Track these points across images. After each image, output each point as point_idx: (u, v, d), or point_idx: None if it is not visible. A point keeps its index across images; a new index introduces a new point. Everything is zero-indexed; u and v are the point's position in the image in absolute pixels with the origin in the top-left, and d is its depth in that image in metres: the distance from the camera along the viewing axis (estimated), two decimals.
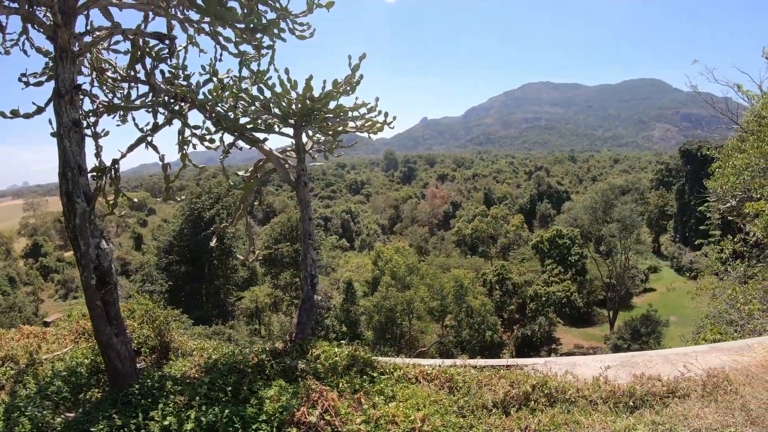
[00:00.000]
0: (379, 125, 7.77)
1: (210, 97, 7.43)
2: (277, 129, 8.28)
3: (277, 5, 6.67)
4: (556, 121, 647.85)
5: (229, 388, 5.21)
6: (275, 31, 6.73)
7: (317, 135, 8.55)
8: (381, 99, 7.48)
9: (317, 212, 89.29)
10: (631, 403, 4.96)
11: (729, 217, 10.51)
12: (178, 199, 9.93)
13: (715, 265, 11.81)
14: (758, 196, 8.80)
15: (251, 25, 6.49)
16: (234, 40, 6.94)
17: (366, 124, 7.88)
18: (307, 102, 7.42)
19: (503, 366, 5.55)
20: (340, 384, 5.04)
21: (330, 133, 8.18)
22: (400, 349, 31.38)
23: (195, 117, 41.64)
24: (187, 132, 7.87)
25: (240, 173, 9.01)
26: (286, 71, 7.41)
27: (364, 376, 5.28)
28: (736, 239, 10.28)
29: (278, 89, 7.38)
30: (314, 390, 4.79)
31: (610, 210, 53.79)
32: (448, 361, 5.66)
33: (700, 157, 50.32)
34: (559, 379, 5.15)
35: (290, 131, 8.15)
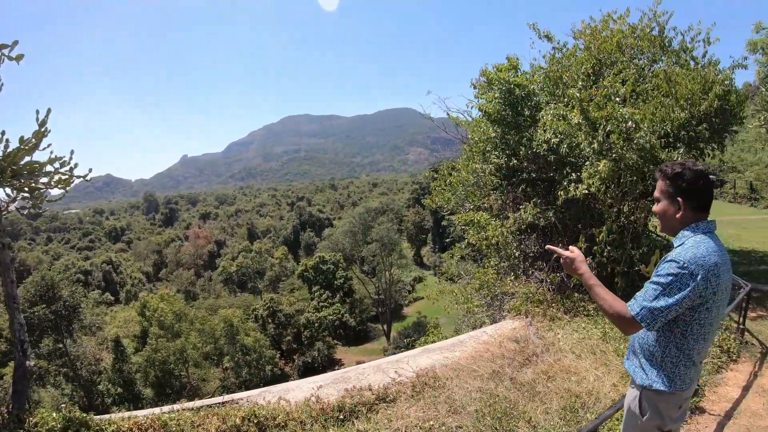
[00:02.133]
0: (68, 180, 7.37)
1: None
2: None
3: None
4: (315, 151, 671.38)
5: None
6: None
7: (18, 192, 7.84)
8: (140, 137, 6.98)
9: (75, 265, 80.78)
10: (341, 417, 5.07)
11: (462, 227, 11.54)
12: None
13: (450, 269, 12.93)
14: (470, 207, 10.09)
15: None
16: None
17: (55, 179, 7.43)
18: None
19: (219, 403, 5.51)
20: None
21: (26, 190, 7.55)
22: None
23: None
24: None
25: None
26: None
27: None
28: (464, 245, 11.37)
29: None
30: None
31: (369, 231, 57.09)
32: (166, 408, 5.50)
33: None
34: (271, 406, 5.17)
35: None
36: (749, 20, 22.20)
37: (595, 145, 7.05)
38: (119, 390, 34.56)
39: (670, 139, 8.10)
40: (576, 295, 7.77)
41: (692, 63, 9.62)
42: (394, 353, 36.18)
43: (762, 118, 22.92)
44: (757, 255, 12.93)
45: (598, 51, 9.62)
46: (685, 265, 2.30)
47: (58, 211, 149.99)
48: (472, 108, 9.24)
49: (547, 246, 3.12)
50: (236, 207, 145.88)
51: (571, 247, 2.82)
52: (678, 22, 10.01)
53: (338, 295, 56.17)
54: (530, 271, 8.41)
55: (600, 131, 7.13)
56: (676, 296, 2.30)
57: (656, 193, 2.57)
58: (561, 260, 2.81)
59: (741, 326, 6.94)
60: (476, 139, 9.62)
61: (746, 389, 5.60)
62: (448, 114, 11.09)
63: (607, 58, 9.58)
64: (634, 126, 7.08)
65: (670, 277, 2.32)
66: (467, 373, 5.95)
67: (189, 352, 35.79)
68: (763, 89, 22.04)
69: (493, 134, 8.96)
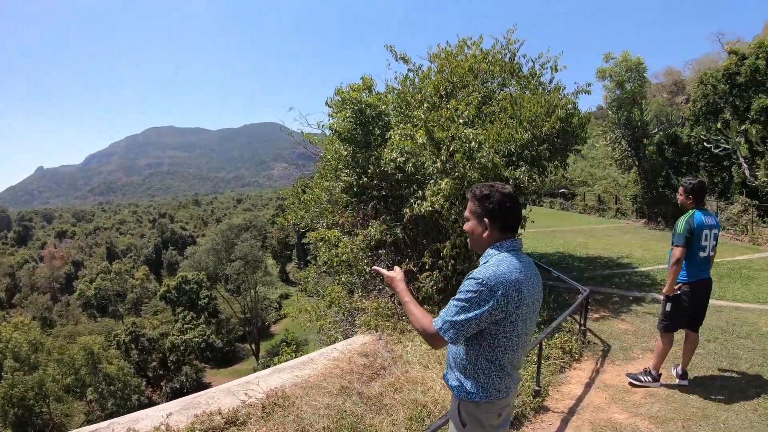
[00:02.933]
0: None
1: None
2: None
3: None
4: (179, 165, 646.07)
5: None
6: None
7: None
8: None
9: None
10: None
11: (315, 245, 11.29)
12: None
13: (307, 286, 12.70)
14: (323, 225, 9.94)
15: None
16: None
17: None
18: None
19: None
20: None
21: None
22: None
23: None
24: None
25: None
26: None
27: None
28: (320, 263, 11.20)
29: None
30: None
31: (232, 249, 55.71)
32: None
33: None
34: None
35: None
36: (602, 50, 24.61)
37: (438, 164, 7.22)
38: None
39: (514, 158, 8.54)
40: (425, 307, 7.86)
41: (540, 88, 10.22)
42: None
43: (608, 138, 25.32)
44: (602, 261, 13.98)
45: (451, 74, 9.99)
46: (485, 282, 2.35)
47: None
48: (322, 127, 9.18)
49: (373, 267, 3.24)
50: (95, 224, 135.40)
51: (396, 267, 2.90)
52: (533, 50, 10.70)
53: (203, 316, 54.27)
54: (381, 287, 8.46)
55: (444, 151, 7.31)
56: (475, 311, 2.35)
57: (466, 213, 2.65)
58: (384, 279, 2.87)
59: (583, 327, 7.42)
60: (329, 157, 9.59)
61: (588, 386, 5.93)
62: (301, 132, 11.01)
63: (460, 81, 9.96)
64: (477, 146, 7.33)
65: (470, 293, 2.37)
66: (316, 390, 5.87)
67: (48, 386, 32.65)
68: (610, 112, 24.41)
69: (345, 153, 8.97)
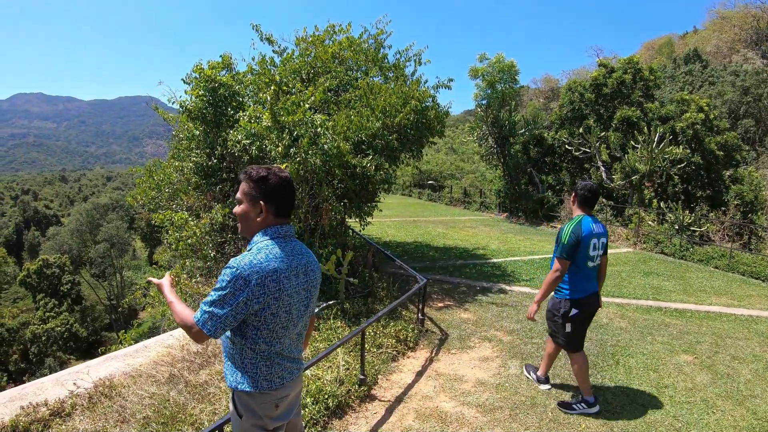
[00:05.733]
0: None
1: None
2: None
3: None
4: (46, 137, 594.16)
5: None
6: None
7: None
8: None
9: None
10: None
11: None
12: None
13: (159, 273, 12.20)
14: (177, 207, 9.53)
15: None
16: None
17: None
18: None
19: None
20: None
21: None
22: None
23: None
24: None
25: None
26: None
27: None
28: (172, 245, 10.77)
29: None
30: None
31: (98, 230, 52.48)
32: None
33: None
34: None
35: None
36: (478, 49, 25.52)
37: (280, 148, 7.15)
38: None
39: (364, 146, 8.64)
40: None
41: (402, 80, 10.44)
42: None
43: (476, 134, 26.38)
44: (458, 251, 14.49)
45: (315, 59, 9.95)
46: (239, 270, 2.31)
47: None
48: (173, 103, 8.79)
49: (147, 279, 3.20)
50: None
51: (167, 273, 2.86)
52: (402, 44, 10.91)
53: (66, 303, 50.22)
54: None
55: (286, 135, 7.26)
56: (230, 302, 2.31)
57: (239, 195, 2.57)
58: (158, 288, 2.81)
59: (420, 316, 7.61)
60: (181, 136, 9.26)
61: (420, 374, 6.01)
62: (157, 109, 10.52)
63: (323, 66, 9.95)
64: (322, 132, 7.34)
65: (225, 282, 2.32)
66: (145, 378, 5.78)
67: None
68: (479, 110, 25.41)
69: (197, 132, 8.69)
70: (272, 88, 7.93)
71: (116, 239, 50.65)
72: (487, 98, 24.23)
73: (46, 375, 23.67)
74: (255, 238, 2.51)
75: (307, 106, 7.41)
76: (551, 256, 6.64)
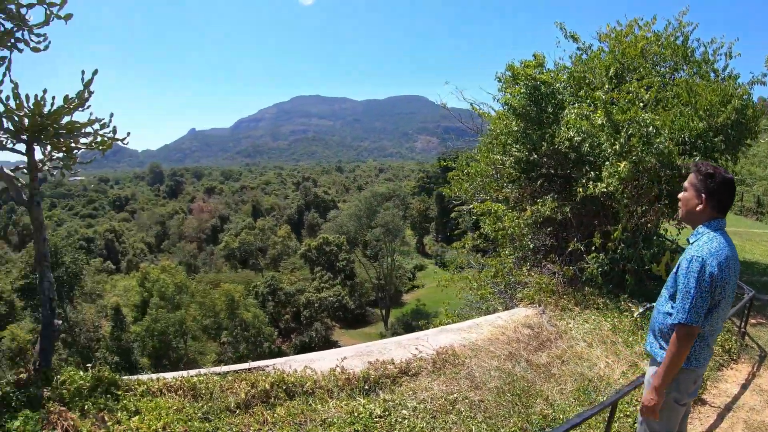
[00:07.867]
0: (108, 142, 7.57)
1: None
2: (10, 145, 7.60)
3: (13, 14, 6.16)
4: (324, 133, 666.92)
5: None
6: (11, 41, 6.18)
7: (54, 152, 8.01)
8: (147, 109, 6.97)
9: (78, 232, 79.98)
10: (366, 387, 5.21)
11: (476, 217, 11.45)
12: None
13: (459, 258, 13.04)
14: (486, 198, 10.28)
15: None
16: None
17: (97, 141, 7.61)
18: (37, 118, 6.96)
19: (245, 369, 5.58)
20: (86, 405, 4.90)
21: (63, 149, 7.75)
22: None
23: None
24: None
25: None
26: (16, 86, 6.85)
27: (109, 395, 5.15)
28: (476, 235, 11.46)
29: (12, 103, 6.81)
30: (54, 413, 4.61)
31: (374, 216, 57.39)
32: (193, 371, 5.64)
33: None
34: (298, 374, 5.25)
35: (23, 147, 7.52)
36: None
37: (617, 146, 7.29)
38: (116, 358, 34.70)
39: (687, 147, 8.34)
40: (587, 288, 7.99)
41: (713, 75, 9.77)
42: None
43: None
44: (760, 267, 13.11)
45: (622, 55, 9.82)
46: (705, 259, 2.65)
47: (64, 177, 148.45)
48: (495, 101, 9.38)
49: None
50: (241, 183, 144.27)
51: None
52: (702, 35, 10.22)
53: (340, 278, 56.54)
54: (543, 263, 8.68)
55: (622, 133, 7.38)
56: (706, 290, 2.66)
57: (686, 183, 2.92)
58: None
59: (743, 330, 7.28)
60: (497, 131, 9.82)
61: (744, 387, 5.93)
62: (471, 105, 11.23)
63: (630, 63, 9.77)
64: (654, 131, 7.33)
65: (696, 274, 2.67)
66: (485, 353, 6.18)
67: (188, 325, 36.32)
68: None
69: (515, 128, 9.17)
70: (606, 86, 8.09)
71: (391, 225, 54.76)
72: None
73: (313, 336, 26.89)
74: (701, 229, 2.82)
75: (641, 104, 7.46)
76: None
